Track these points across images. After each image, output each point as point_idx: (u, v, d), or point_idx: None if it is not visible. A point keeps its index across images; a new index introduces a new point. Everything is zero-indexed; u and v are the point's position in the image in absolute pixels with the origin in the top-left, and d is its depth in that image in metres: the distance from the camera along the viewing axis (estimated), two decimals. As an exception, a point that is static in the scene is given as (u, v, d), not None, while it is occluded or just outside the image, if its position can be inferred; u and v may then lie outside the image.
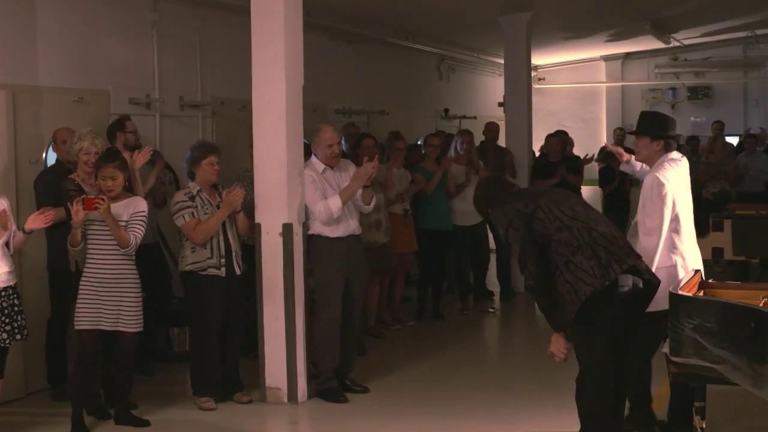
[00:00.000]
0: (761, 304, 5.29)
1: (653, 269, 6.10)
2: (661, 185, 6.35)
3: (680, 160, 6.62)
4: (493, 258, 12.84)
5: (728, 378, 4.94)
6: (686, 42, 18.49)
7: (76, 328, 7.00)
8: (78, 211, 6.80)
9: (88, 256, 7.02)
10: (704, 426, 5.69)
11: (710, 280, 5.97)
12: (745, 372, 4.70)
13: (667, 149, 6.60)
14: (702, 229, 12.06)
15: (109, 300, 7.02)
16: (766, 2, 15.18)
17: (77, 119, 8.48)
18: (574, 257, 5.64)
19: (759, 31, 18.39)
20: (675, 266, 6.32)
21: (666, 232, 6.34)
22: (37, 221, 6.72)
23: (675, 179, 6.46)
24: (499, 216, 6.04)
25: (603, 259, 5.61)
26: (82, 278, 7.04)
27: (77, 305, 7.02)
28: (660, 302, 5.88)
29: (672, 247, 6.37)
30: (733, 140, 16.77)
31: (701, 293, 5.69)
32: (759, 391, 4.66)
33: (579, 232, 5.72)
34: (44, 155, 8.45)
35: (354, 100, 13.64)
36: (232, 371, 7.99)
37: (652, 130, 6.64)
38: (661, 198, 6.35)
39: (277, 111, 7.85)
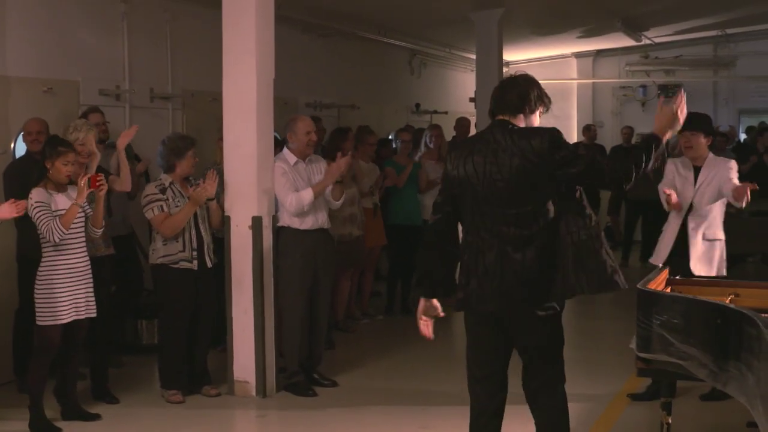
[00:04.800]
0: (727, 301, 5.32)
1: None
2: None
3: None
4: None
5: (694, 374, 4.96)
6: (657, 40, 18.57)
7: (57, 323, 6.84)
8: (83, 189, 6.78)
9: (58, 247, 6.90)
10: (670, 422, 5.73)
11: (677, 277, 6.00)
12: (711, 368, 4.73)
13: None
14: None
15: (82, 288, 6.98)
16: (736, 1, 15.29)
17: (46, 110, 8.44)
18: None
19: (729, 30, 18.51)
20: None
21: None
22: (7, 211, 6.62)
23: None
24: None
25: None
26: (53, 269, 6.85)
27: (53, 299, 6.83)
28: None
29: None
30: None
31: (668, 289, 5.73)
32: (723, 387, 4.69)
33: None
34: (12, 146, 8.39)
35: (325, 94, 13.63)
36: (200, 364, 7.97)
37: (707, 128, 7.58)
38: None
39: (247, 103, 7.84)
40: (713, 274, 7.28)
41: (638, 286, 5.28)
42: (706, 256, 7.39)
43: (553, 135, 4.86)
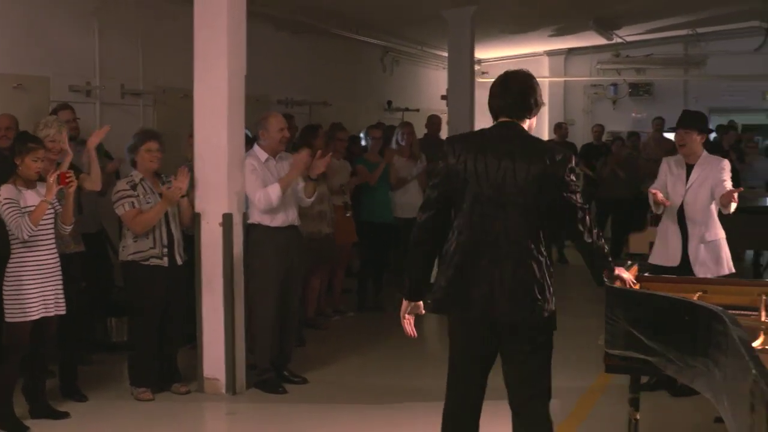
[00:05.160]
0: (696, 298, 5.36)
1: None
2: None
3: None
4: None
5: (662, 370, 4.99)
6: (628, 39, 18.67)
7: (26, 319, 6.82)
8: (52, 186, 6.74)
9: (27, 243, 6.86)
10: (638, 417, 5.77)
11: (646, 274, 6.04)
12: (678, 364, 4.76)
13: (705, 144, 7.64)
14: (641, 223, 12.22)
15: (51, 285, 6.94)
16: (706, 1, 15.39)
17: (16, 106, 8.41)
18: None
19: (700, 30, 18.64)
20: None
21: None
22: None
23: None
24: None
25: None
26: (22, 266, 6.82)
27: (22, 296, 6.80)
28: None
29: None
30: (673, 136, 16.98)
31: (637, 286, 5.75)
32: (690, 383, 4.72)
33: None
34: (-19, 142, 8.33)
35: (297, 91, 13.63)
36: (170, 362, 7.95)
37: (700, 125, 7.60)
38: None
39: (218, 100, 7.82)
40: (722, 274, 7.32)
41: (607, 283, 5.31)
42: (710, 259, 7.43)
43: (571, 158, 4.86)
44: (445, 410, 5.11)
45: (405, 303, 5.08)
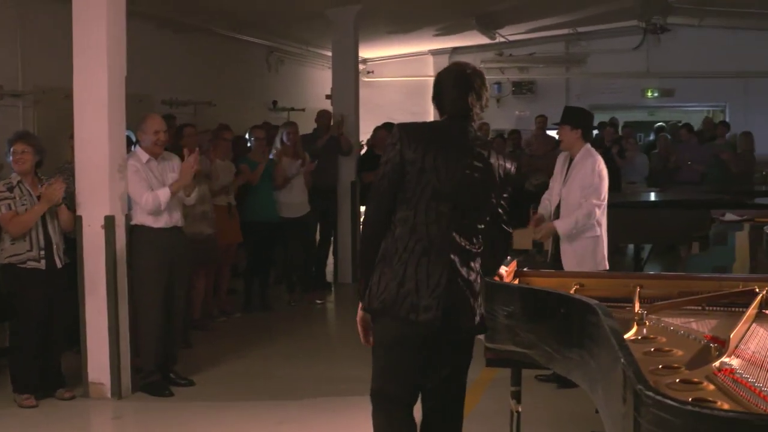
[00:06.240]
0: (572, 291, 5.47)
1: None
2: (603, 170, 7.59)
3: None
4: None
5: (540, 362, 5.09)
6: (511, 38, 18.90)
7: None
8: None
9: None
10: (520, 410, 5.86)
11: (525, 269, 6.13)
12: (555, 357, 4.86)
13: (586, 138, 7.73)
14: (524, 219, 12.38)
15: None
16: (586, 1, 15.70)
17: None
18: None
19: (581, 29, 19.00)
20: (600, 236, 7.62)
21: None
22: None
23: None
24: None
25: None
26: None
27: None
28: None
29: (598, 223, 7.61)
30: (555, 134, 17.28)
31: (516, 281, 5.85)
32: (568, 374, 4.82)
33: None
34: None
35: (181, 91, 13.50)
36: (53, 367, 7.83)
37: (573, 120, 7.70)
38: (603, 180, 7.55)
39: (98, 100, 7.73)
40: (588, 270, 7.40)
41: (485, 277, 5.38)
42: (575, 253, 7.55)
43: (517, 167, 4.82)
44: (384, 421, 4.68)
45: (362, 312, 4.67)
